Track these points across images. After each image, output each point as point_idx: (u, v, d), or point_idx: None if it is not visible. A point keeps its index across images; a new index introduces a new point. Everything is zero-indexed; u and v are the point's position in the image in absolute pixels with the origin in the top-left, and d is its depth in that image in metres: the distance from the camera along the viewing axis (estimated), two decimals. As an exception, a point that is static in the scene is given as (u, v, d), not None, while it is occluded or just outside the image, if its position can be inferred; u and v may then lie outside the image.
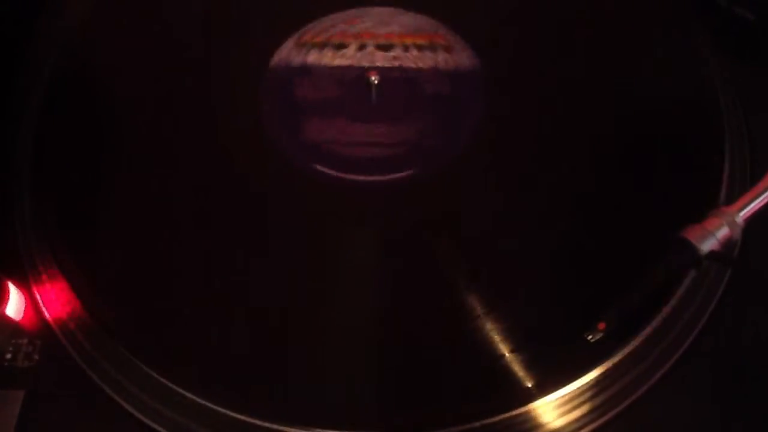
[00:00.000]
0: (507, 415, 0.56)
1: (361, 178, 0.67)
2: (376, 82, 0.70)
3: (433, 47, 0.73)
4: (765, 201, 0.57)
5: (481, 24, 0.74)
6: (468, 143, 0.68)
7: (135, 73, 0.73)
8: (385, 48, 0.73)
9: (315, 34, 0.75)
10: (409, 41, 0.73)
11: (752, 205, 0.57)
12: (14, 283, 0.62)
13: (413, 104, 0.71)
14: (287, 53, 0.74)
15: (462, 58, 0.72)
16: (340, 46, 0.74)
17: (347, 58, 0.73)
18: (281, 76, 0.73)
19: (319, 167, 0.68)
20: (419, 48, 0.73)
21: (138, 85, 0.72)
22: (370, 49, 0.73)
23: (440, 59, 0.72)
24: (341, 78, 0.73)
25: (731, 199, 0.58)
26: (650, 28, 0.72)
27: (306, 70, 0.73)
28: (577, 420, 0.56)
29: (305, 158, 0.68)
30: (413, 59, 0.73)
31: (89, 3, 0.78)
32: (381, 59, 0.73)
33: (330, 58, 0.74)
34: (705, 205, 0.58)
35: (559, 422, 0.56)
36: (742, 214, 0.56)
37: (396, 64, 0.72)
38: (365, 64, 0.73)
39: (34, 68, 0.75)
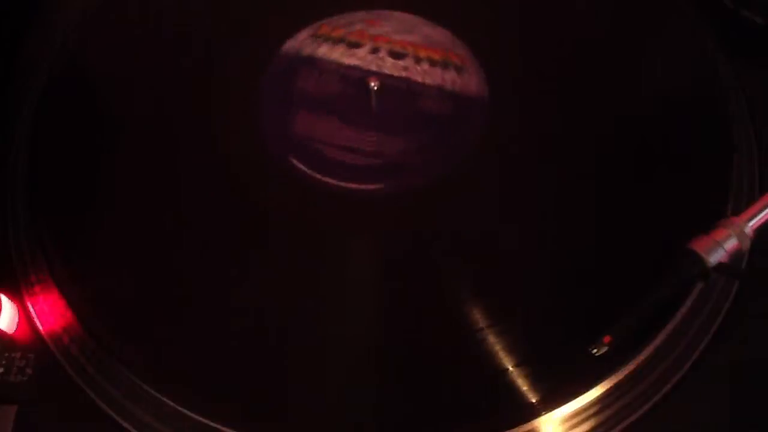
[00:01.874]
0: (511, 431, 0.55)
1: (332, 181, 0.66)
2: (375, 88, 0.69)
3: (445, 64, 0.71)
4: (774, 211, 0.56)
5: (496, 48, 0.73)
6: (470, 149, 0.67)
7: (133, 74, 0.72)
8: (398, 56, 0.72)
9: (333, 28, 0.74)
10: (423, 54, 0.72)
11: (761, 215, 0.56)
12: (7, 296, 0.61)
13: (406, 119, 0.69)
14: (300, 42, 0.74)
15: (471, 82, 0.70)
16: (354, 45, 0.73)
17: (357, 58, 0.72)
18: (288, 64, 0.73)
19: (294, 161, 0.67)
20: (431, 63, 0.72)
21: (136, 88, 0.72)
22: (382, 53, 0.72)
23: (448, 78, 0.71)
24: (344, 77, 0.72)
25: (740, 209, 0.57)
26: (657, 33, 0.71)
27: (313, 62, 0.73)
28: (582, 435, 0.56)
29: (284, 149, 0.68)
30: (421, 73, 0.71)
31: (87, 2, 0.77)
32: (390, 66, 0.72)
33: (339, 55, 0.73)
34: (713, 215, 0.57)
35: (565, 438, 0.55)
36: (750, 224, 0.55)
37: (403, 74, 0.71)
38: (372, 68, 0.71)
39: (29, 72, 0.74)
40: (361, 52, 0.73)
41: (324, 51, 0.73)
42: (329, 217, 0.65)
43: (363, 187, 0.66)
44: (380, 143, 0.68)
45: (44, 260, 0.63)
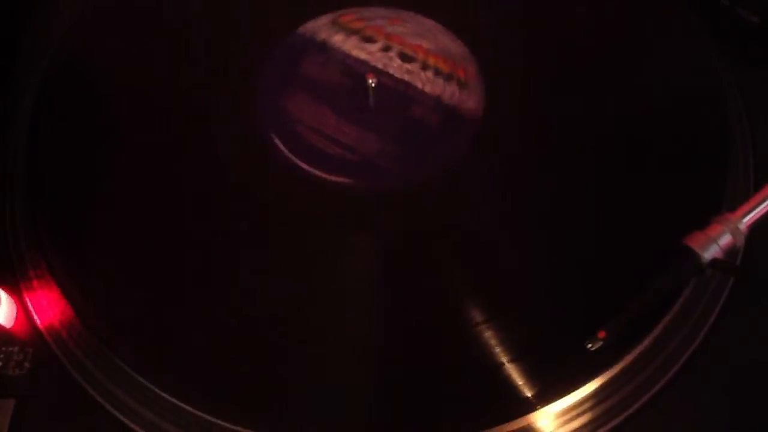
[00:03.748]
0: (506, 425, 0.55)
1: (312, 170, 0.67)
2: (373, 85, 0.70)
3: (449, 77, 0.71)
4: (769, 207, 0.56)
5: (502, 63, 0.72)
6: (468, 146, 0.67)
7: (131, 73, 0.72)
8: (407, 59, 0.72)
9: (353, 19, 0.74)
10: (432, 62, 0.72)
11: (755, 211, 0.56)
12: (5, 290, 0.61)
13: (393, 122, 0.70)
14: (318, 26, 0.74)
15: (469, 100, 0.70)
16: (368, 40, 0.73)
17: (366, 53, 0.73)
18: (301, 44, 0.73)
19: (275, 139, 0.68)
20: (437, 72, 0.72)
21: (134, 87, 0.72)
22: (392, 53, 0.72)
23: (448, 91, 0.71)
24: (348, 69, 0.72)
25: (734, 206, 0.57)
26: (654, 32, 0.71)
27: (324, 47, 0.73)
28: (578, 430, 0.56)
29: (268, 125, 0.69)
30: (424, 80, 0.71)
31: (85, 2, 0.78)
32: (396, 67, 0.72)
33: (351, 47, 0.73)
34: (708, 211, 0.57)
35: (560, 432, 0.56)
36: (745, 220, 0.56)
37: (405, 77, 0.71)
38: (378, 65, 0.72)
39: (26, 71, 0.74)
40: (373, 47, 0.73)
41: (337, 39, 0.73)
42: (320, 211, 0.65)
43: (332, 178, 0.66)
44: (360, 139, 0.69)
45: (42, 255, 0.63)
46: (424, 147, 0.68)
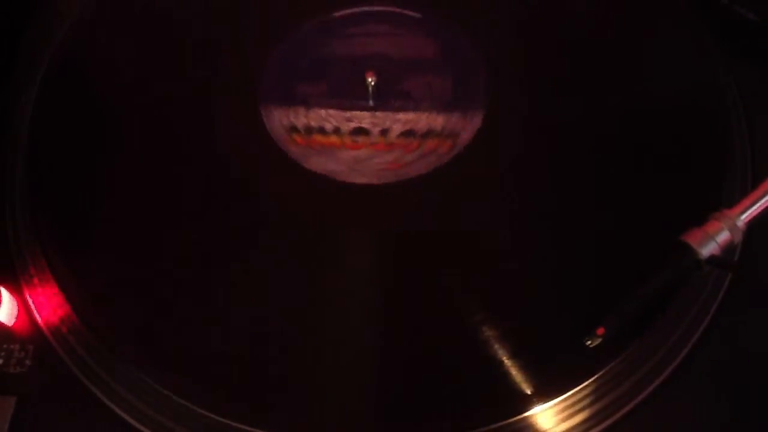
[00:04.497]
0: (506, 422, 0.55)
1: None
2: (372, 83, 0.70)
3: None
4: (766, 204, 0.56)
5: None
6: (467, 144, 0.67)
7: (130, 72, 0.73)
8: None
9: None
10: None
11: (753, 208, 0.56)
12: (6, 288, 0.61)
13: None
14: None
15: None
16: None
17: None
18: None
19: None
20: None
21: (134, 85, 0.72)
22: None
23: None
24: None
25: (732, 202, 0.58)
26: (652, 29, 0.71)
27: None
28: (576, 426, 0.56)
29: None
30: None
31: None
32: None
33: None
34: (706, 207, 0.57)
35: (559, 429, 0.56)
36: (743, 217, 0.56)
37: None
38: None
39: (26, 67, 0.75)
40: None
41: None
42: (325, 209, 0.65)
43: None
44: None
45: (43, 253, 0.63)
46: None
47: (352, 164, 0.67)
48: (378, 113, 0.70)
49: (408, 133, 0.69)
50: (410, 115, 0.70)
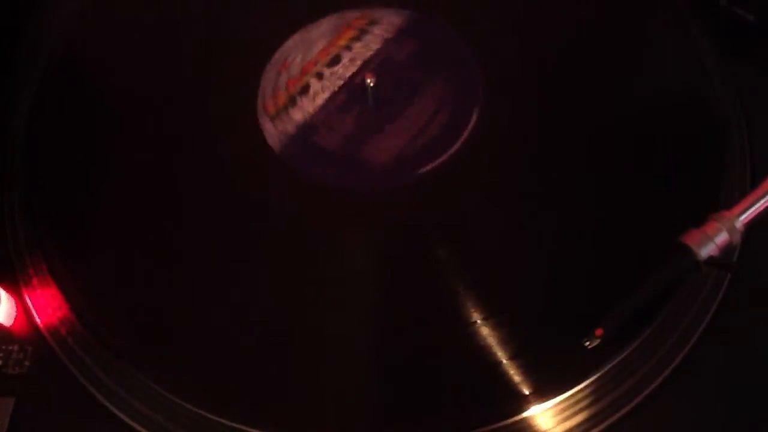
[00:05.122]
0: (505, 422, 0.55)
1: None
2: (371, 84, 0.70)
3: (362, 30, 0.72)
4: (765, 205, 0.56)
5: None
6: (464, 144, 0.67)
7: (129, 72, 0.73)
8: (335, 61, 0.72)
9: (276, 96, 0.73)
10: (342, 42, 0.73)
11: (752, 209, 0.56)
12: (5, 289, 0.61)
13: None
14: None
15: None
16: (304, 90, 0.72)
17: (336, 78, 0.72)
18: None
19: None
20: (355, 39, 0.72)
21: (132, 86, 0.72)
22: (328, 71, 0.72)
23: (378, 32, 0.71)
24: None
25: (731, 203, 0.58)
26: (650, 29, 0.71)
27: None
28: (576, 427, 0.56)
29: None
30: (364, 48, 0.72)
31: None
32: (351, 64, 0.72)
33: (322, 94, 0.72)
34: (704, 208, 0.57)
35: (558, 429, 0.56)
36: (741, 218, 0.56)
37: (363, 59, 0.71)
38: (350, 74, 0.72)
39: (25, 66, 0.75)
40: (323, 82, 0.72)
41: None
42: (322, 213, 0.65)
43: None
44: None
45: (41, 254, 0.63)
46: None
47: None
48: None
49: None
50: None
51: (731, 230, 0.55)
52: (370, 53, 0.72)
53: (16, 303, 0.62)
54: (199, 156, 0.68)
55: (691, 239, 0.55)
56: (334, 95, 0.71)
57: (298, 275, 0.62)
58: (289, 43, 0.74)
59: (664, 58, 0.69)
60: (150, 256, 0.63)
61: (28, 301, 0.63)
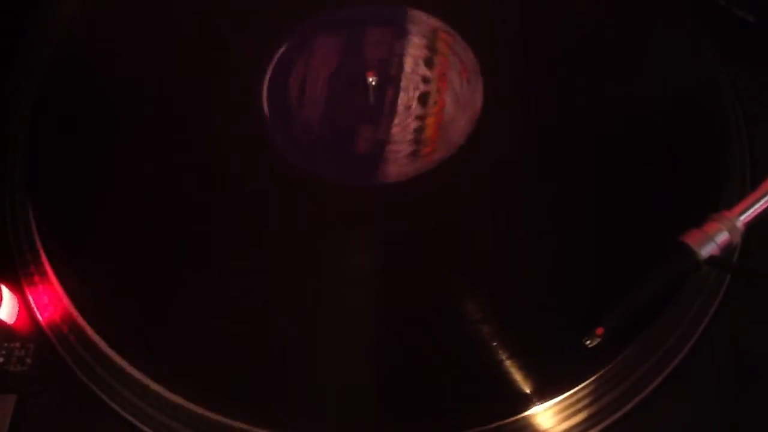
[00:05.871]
0: (506, 421, 0.55)
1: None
2: (373, 83, 0.70)
3: None
4: (765, 205, 0.56)
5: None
6: (466, 142, 0.67)
7: (130, 72, 0.72)
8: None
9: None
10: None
11: (752, 209, 0.56)
12: (7, 286, 0.61)
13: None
14: None
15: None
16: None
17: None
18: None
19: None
20: None
21: (133, 86, 0.72)
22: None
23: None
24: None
25: (731, 203, 0.58)
26: (651, 30, 0.71)
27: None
28: (576, 426, 0.56)
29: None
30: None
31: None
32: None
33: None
34: (705, 208, 0.57)
35: (559, 428, 0.56)
36: (742, 218, 0.56)
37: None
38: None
39: (26, 66, 0.75)
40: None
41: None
42: (322, 212, 0.65)
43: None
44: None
45: (44, 252, 0.63)
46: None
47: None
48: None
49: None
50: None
51: (732, 230, 0.55)
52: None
53: (18, 300, 0.62)
54: (200, 155, 0.68)
55: (691, 239, 0.55)
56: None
57: (299, 275, 0.62)
58: None
59: (664, 59, 0.69)
60: (151, 254, 0.63)
61: (30, 298, 0.63)
